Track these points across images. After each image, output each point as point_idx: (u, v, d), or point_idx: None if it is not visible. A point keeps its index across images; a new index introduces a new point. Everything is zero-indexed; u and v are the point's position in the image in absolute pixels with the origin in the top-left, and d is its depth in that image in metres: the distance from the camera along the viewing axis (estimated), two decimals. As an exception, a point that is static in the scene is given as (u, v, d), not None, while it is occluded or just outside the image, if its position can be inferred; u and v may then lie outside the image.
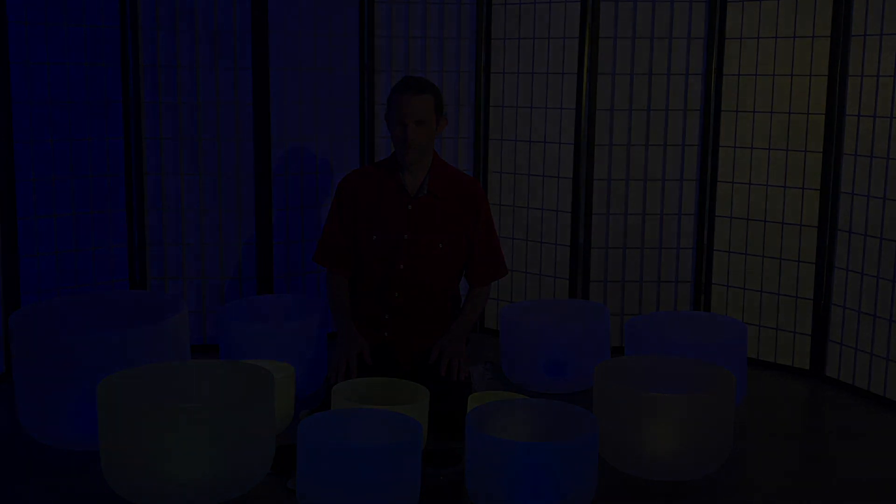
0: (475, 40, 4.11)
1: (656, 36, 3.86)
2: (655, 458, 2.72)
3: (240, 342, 3.36)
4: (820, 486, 2.83)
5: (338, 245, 3.32)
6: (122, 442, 2.45)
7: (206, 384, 2.79)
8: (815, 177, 3.65)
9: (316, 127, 4.00)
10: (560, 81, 3.97)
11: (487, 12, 4.08)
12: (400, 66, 4.08)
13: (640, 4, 3.84)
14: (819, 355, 3.70)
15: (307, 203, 4.02)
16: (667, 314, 3.72)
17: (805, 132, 3.67)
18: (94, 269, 3.78)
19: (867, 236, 3.48)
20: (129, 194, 3.85)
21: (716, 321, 3.60)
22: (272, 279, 3.92)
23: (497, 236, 3.44)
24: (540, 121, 4.05)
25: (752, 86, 3.78)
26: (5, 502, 2.63)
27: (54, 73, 3.58)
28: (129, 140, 3.81)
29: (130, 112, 3.79)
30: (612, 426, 2.73)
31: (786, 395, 3.59)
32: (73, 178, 3.68)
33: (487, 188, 4.16)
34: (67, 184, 3.67)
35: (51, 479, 2.76)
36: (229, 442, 2.45)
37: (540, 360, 3.51)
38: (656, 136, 3.92)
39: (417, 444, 2.46)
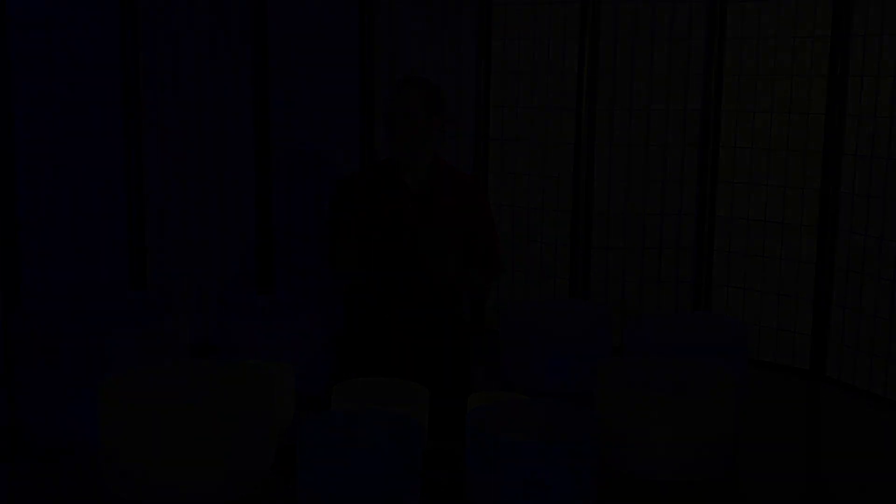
0: (476, 40, 4.11)
1: (656, 36, 3.86)
2: (655, 459, 2.72)
3: (240, 342, 3.36)
4: (820, 486, 2.83)
5: (342, 245, 3.32)
6: (122, 442, 2.45)
7: (206, 384, 2.79)
8: (815, 177, 3.65)
9: (316, 127, 4.00)
10: (560, 82, 3.97)
11: (487, 12, 4.08)
12: (400, 66, 4.07)
13: (640, 5, 3.84)
14: (819, 355, 3.69)
15: (307, 203, 4.02)
16: (667, 314, 3.72)
17: (805, 132, 3.67)
18: (94, 269, 3.78)
19: (867, 236, 3.48)
20: (130, 194, 3.84)
21: (716, 321, 3.60)
22: (272, 279, 3.92)
23: (497, 235, 3.44)
24: (540, 121, 4.05)
25: (752, 86, 3.78)
26: (5, 502, 2.63)
27: (55, 72, 3.58)
28: (130, 139, 3.81)
29: (131, 111, 3.79)
30: (612, 426, 2.73)
31: (786, 395, 3.59)
32: (73, 178, 3.68)
33: (487, 188, 4.16)
34: (68, 184, 3.67)
35: (51, 479, 2.76)
36: (229, 442, 2.45)
37: (540, 360, 3.51)
38: (656, 137, 3.92)
39: (417, 444, 2.45)
